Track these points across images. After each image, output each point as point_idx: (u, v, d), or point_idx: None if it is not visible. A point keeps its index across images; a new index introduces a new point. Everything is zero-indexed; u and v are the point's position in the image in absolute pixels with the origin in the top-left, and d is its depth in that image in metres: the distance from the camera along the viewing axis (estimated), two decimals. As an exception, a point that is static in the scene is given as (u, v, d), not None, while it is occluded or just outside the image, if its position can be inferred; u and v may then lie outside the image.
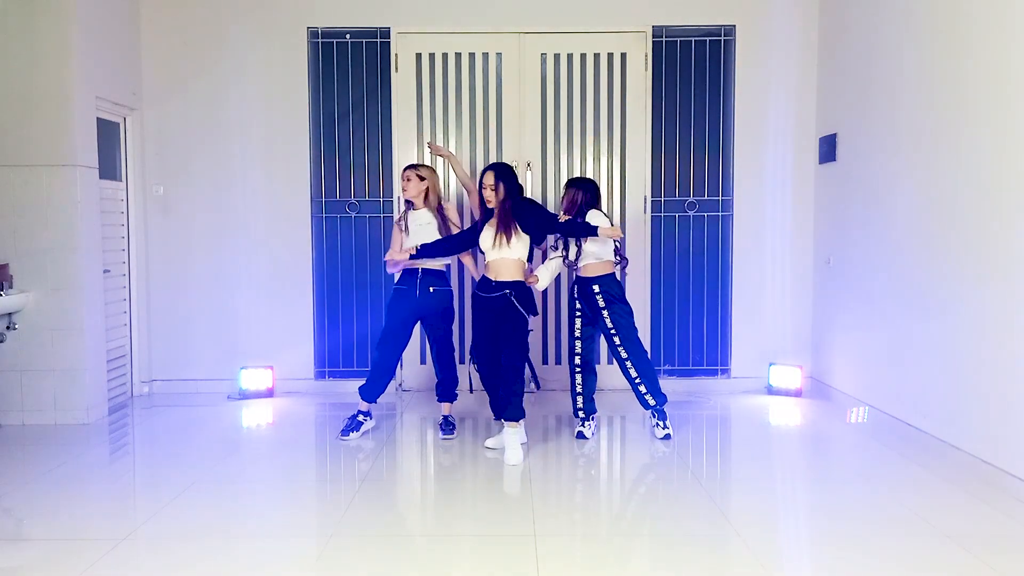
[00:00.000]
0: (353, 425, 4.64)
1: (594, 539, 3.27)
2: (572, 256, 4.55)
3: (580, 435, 4.59)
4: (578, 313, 4.62)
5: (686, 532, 3.28)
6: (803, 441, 4.78)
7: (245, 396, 5.65)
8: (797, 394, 5.65)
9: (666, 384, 5.79)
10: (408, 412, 5.30)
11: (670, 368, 5.93)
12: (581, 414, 4.65)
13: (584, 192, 4.59)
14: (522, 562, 2.95)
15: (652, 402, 4.60)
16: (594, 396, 4.70)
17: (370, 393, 4.65)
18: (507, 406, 4.25)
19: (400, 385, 5.92)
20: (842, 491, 3.75)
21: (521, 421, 4.27)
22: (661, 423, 4.59)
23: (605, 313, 4.52)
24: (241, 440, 4.80)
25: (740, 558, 3.02)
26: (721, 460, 4.46)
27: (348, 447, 4.48)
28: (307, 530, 3.37)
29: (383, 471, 4.12)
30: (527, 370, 4.42)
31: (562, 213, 4.58)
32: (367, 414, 4.72)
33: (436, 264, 4.62)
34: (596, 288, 4.52)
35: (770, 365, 5.79)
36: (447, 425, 4.70)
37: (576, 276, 4.61)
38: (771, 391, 5.75)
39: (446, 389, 4.73)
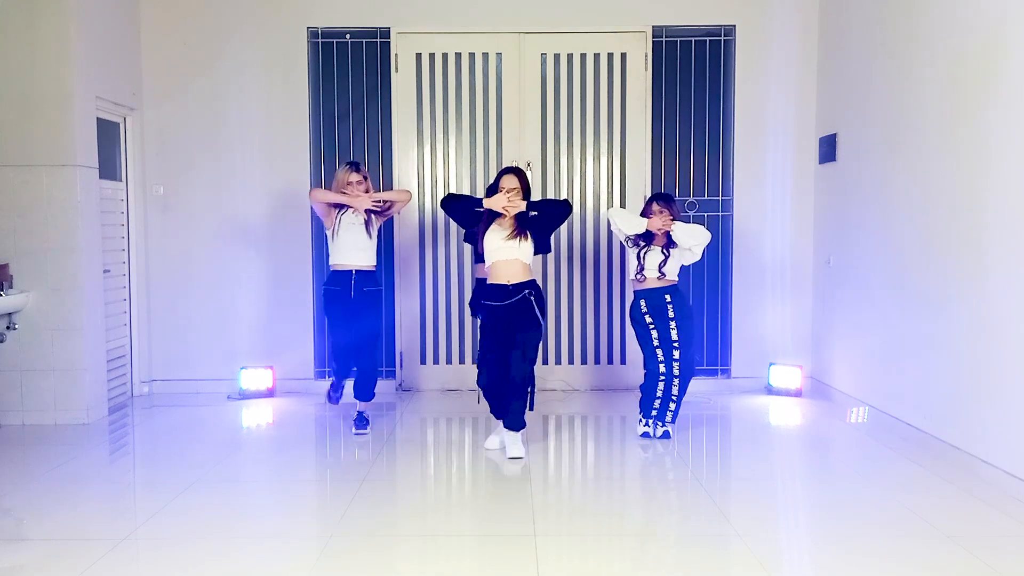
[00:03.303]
0: (363, 422, 4.66)
1: (594, 539, 3.26)
2: (654, 265, 4.42)
3: (666, 435, 4.53)
4: (652, 325, 4.46)
5: (686, 532, 3.28)
6: (803, 441, 4.78)
7: (245, 396, 5.65)
8: (797, 394, 5.65)
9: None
10: (408, 412, 5.30)
11: (670, 368, 5.93)
12: (668, 416, 4.52)
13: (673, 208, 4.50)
14: (522, 562, 2.95)
15: (668, 418, 4.53)
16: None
17: (364, 394, 4.71)
18: (513, 417, 4.18)
19: (400, 385, 5.92)
20: (842, 491, 3.75)
21: (522, 432, 4.22)
22: (660, 421, 4.57)
23: (673, 324, 4.43)
24: (241, 440, 4.80)
25: (740, 558, 3.02)
26: (721, 460, 4.46)
27: (347, 447, 4.48)
28: (307, 530, 3.37)
29: (383, 471, 4.12)
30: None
31: (660, 230, 4.41)
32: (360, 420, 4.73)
33: (370, 265, 4.59)
34: (668, 298, 4.44)
35: (770, 365, 5.79)
36: (361, 421, 4.66)
37: (641, 290, 4.49)
38: (771, 391, 5.75)
39: (366, 388, 4.68)
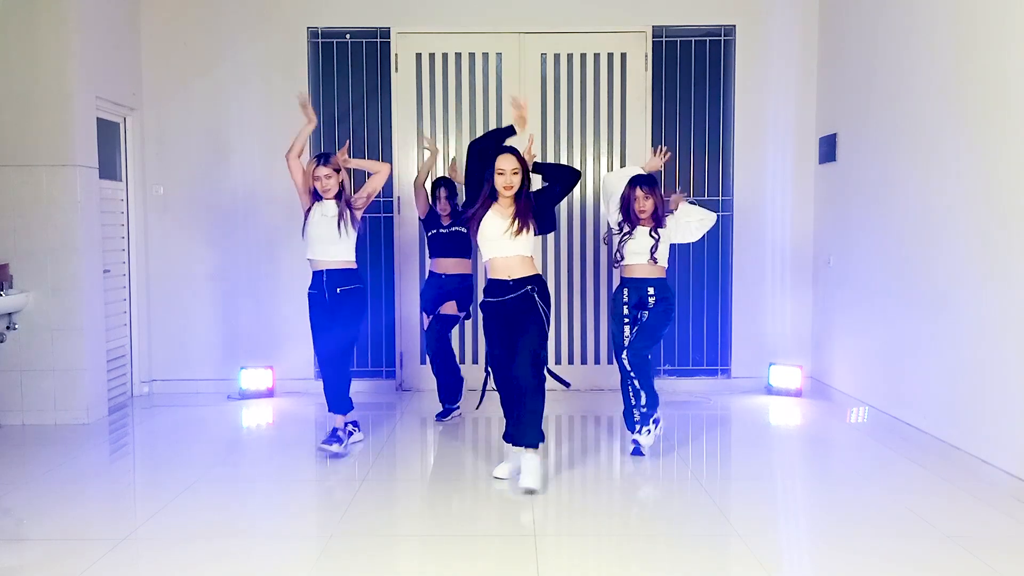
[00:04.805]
0: (334, 437, 4.25)
1: (594, 539, 3.26)
2: (644, 250, 4.18)
3: (637, 450, 4.19)
4: (626, 319, 4.24)
5: (686, 532, 3.28)
6: (803, 441, 4.78)
7: (245, 396, 5.65)
8: (797, 394, 5.65)
9: (666, 384, 5.81)
10: (408, 412, 5.30)
11: (670, 368, 5.93)
12: (638, 425, 4.22)
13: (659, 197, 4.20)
14: (522, 562, 2.95)
15: (637, 428, 4.23)
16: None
17: (338, 407, 4.30)
18: (525, 430, 3.70)
19: (400, 385, 5.92)
20: (842, 491, 3.75)
21: (540, 446, 3.77)
22: (645, 428, 4.23)
23: (646, 314, 4.19)
24: (241, 440, 4.80)
25: (740, 558, 3.02)
26: (721, 460, 4.45)
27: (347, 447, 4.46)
28: (307, 530, 3.37)
29: (383, 471, 4.12)
30: (548, 375, 3.89)
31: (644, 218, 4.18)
32: (353, 423, 4.43)
33: (344, 262, 4.24)
34: (651, 291, 4.20)
35: (770, 365, 5.79)
36: (333, 436, 4.24)
37: (625, 279, 4.27)
38: (771, 391, 5.75)
39: (335, 399, 4.26)
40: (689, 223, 4.30)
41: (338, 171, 4.25)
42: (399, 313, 5.91)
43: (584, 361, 5.99)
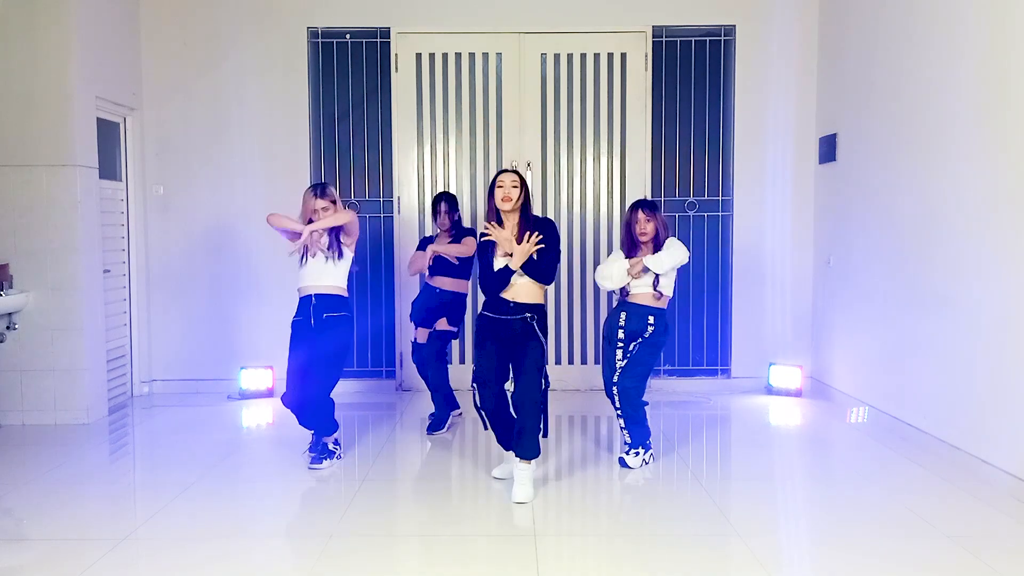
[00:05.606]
0: (324, 453, 4.18)
1: (594, 539, 3.27)
2: (647, 283, 4.06)
3: (621, 461, 4.11)
4: (620, 343, 4.10)
5: (686, 532, 3.28)
6: (803, 441, 4.78)
7: (245, 396, 5.65)
8: (797, 394, 5.65)
9: (666, 384, 5.83)
10: (408, 412, 5.30)
11: (670, 368, 5.93)
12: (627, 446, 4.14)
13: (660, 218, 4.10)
14: (522, 562, 2.95)
15: (624, 448, 4.15)
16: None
17: (327, 430, 4.22)
18: (520, 440, 3.66)
19: (400, 385, 5.92)
20: (842, 491, 3.75)
21: (534, 461, 3.70)
22: (634, 451, 4.12)
23: (634, 346, 4.07)
24: (241, 440, 4.80)
25: (740, 558, 3.02)
26: (721, 460, 4.46)
27: (347, 447, 4.47)
28: (307, 530, 3.37)
29: (383, 471, 4.12)
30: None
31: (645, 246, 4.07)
32: (336, 443, 4.28)
33: (334, 287, 4.09)
34: (651, 319, 4.06)
35: (770, 365, 5.79)
36: (324, 451, 4.17)
37: (625, 302, 4.12)
38: (771, 391, 5.75)
39: (319, 420, 4.16)
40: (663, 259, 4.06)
41: (335, 203, 4.10)
42: (399, 313, 5.91)
43: (584, 361, 5.99)
